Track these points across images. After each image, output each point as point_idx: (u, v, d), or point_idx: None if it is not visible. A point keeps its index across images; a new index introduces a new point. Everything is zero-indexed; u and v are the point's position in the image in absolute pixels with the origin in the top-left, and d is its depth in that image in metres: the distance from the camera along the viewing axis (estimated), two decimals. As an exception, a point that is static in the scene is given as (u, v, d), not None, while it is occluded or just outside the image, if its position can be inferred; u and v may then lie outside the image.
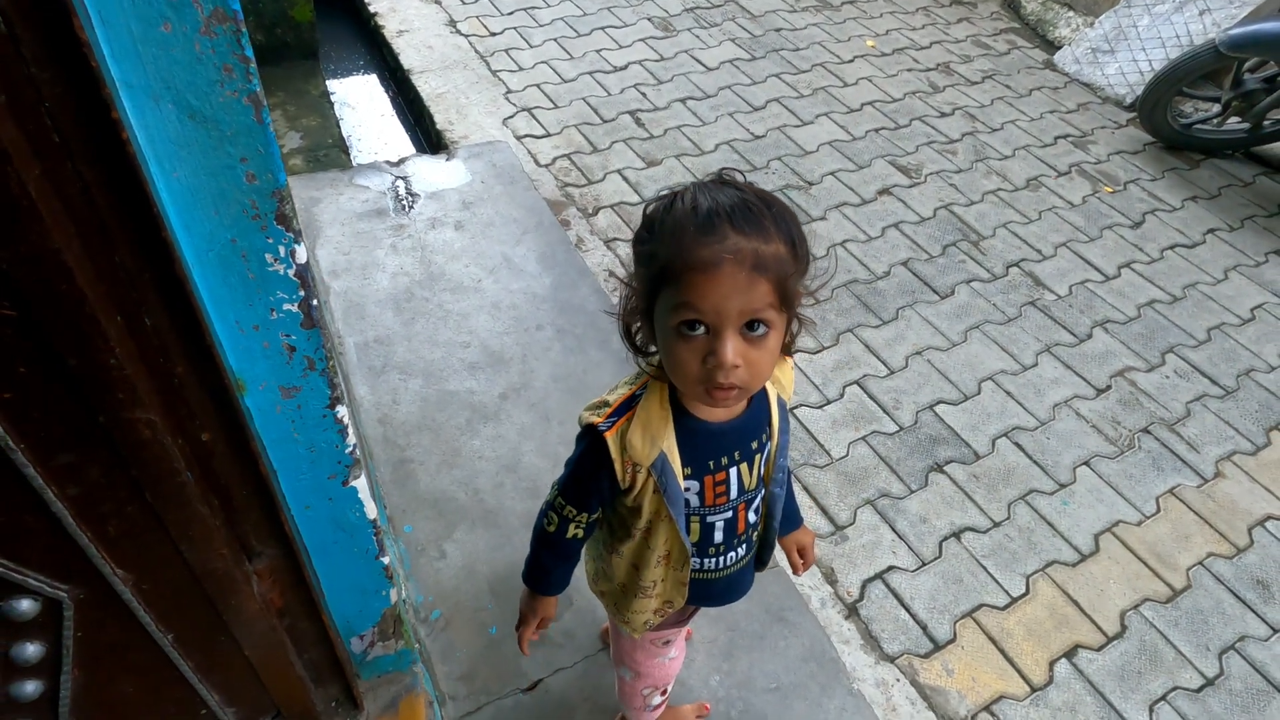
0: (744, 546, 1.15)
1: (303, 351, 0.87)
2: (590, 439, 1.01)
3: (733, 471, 1.04)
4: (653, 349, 0.98)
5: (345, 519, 1.09)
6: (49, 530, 0.80)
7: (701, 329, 0.85)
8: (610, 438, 0.98)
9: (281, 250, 0.78)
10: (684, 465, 1.00)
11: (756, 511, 1.13)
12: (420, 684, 1.45)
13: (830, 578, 1.94)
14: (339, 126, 3.52)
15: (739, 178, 0.92)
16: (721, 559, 1.14)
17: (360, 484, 1.07)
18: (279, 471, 0.98)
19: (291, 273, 0.80)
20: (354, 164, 3.25)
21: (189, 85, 0.65)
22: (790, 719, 1.64)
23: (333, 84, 3.82)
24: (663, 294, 0.87)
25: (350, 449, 1.01)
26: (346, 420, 0.97)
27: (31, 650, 0.91)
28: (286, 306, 0.82)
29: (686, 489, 1.02)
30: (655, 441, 0.97)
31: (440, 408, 2.15)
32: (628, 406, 0.99)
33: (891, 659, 1.81)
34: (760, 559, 1.23)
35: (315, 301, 0.83)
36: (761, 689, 1.68)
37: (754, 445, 1.05)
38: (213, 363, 0.80)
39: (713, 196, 0.86)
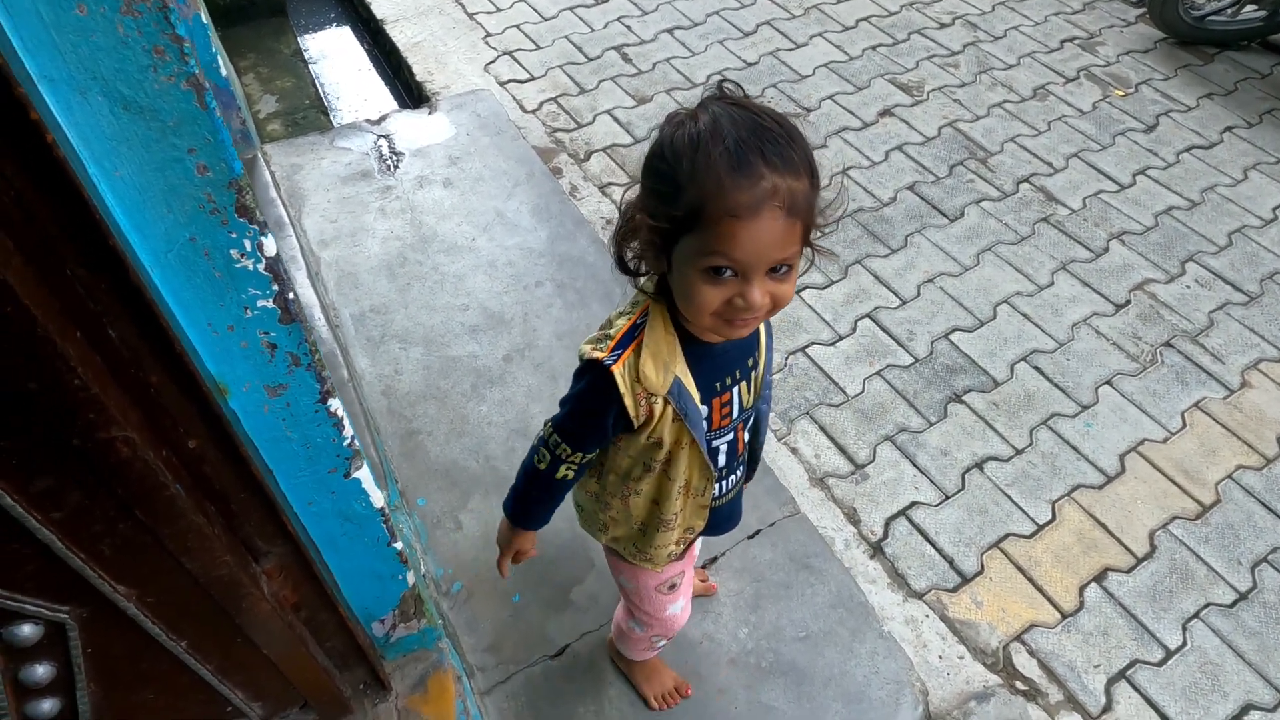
0: (741, 468, 1.18)
1: (285, 348, 0.81)
2: (593, 375, 0.96)
3: (735, 391, 1.04)
4: (646, 271, 0.97)
5: (351, 510, 1.05)
6: (38, 555, 0.77)
7: (729, 273, 0.83)
8: (618, 371, 0.93)
9: (247, 245, 0.71)
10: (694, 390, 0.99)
11: (750, 430, 1.15)
12: (447, 659, 1.44)
13: (853, 518, 1.91)
14: (315, 86, 3.39)
15: (739, 92, 0.87)
16: (725, 483, 1.15)
17: (363, 474, 1.03)
18: (276, 471, 0.93)
19: (261, 267, 0.74)
20: (334, 125, 3.14)
21: (118, 73, 0.58)
22: (821, 666, 1.63)
23: (304, 41, 3.67)
24: (690, 236, 0.83)
25: (348, 441, 0.96)
26: (341, 413, 0.92)
27: (42, 671, 0.89)
28: (261, 303, 0.76)
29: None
30: (668, 368, 0.95)
31: (444, 375, 2.10)
32: (631, 337, 0.95)
33: (919, 595, 1.79)
34: (748, 475, 1.25)
35: (291, 295, 0.78)
36: (791, 638, 1.67)
37: (750, 363, 1.05)
38: (187, 369, 0.75)
39: (732, 122, 0.81)
